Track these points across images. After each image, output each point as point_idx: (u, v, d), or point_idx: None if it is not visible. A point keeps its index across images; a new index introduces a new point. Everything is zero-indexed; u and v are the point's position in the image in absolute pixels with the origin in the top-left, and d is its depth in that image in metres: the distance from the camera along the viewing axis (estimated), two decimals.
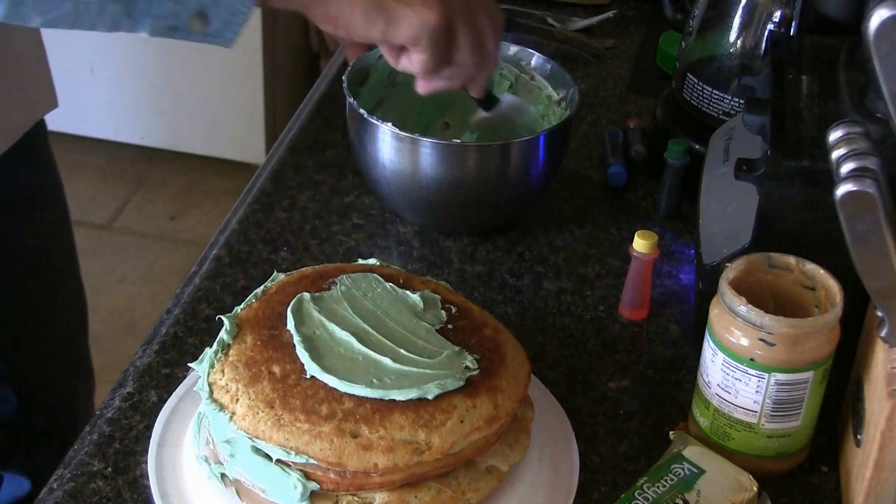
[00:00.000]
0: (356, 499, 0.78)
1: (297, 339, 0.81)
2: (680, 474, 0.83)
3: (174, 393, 0.90)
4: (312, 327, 0.83)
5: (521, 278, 1.07)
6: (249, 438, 0.77)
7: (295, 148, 1.22)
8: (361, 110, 1.04)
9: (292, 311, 0.84)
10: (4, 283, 1.18)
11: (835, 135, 0.77)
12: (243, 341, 0.82)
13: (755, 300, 0.82)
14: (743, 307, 0.82)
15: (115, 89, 2.79)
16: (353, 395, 0.78)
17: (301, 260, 1.07)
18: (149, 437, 0.86)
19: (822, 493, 0.88)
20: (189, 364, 0.85)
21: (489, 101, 1.06)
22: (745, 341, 0.82)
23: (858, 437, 0.83)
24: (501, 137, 1.11)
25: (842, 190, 0.74)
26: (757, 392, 0.83)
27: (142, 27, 0.79)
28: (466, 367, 0.81)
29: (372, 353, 0.81)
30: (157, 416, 0.88)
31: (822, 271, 0.85)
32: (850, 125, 0.77)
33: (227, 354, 0.82)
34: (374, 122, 1.03)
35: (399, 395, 0.78)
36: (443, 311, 0.86)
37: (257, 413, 0.77)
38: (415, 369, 0.80)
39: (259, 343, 0.82)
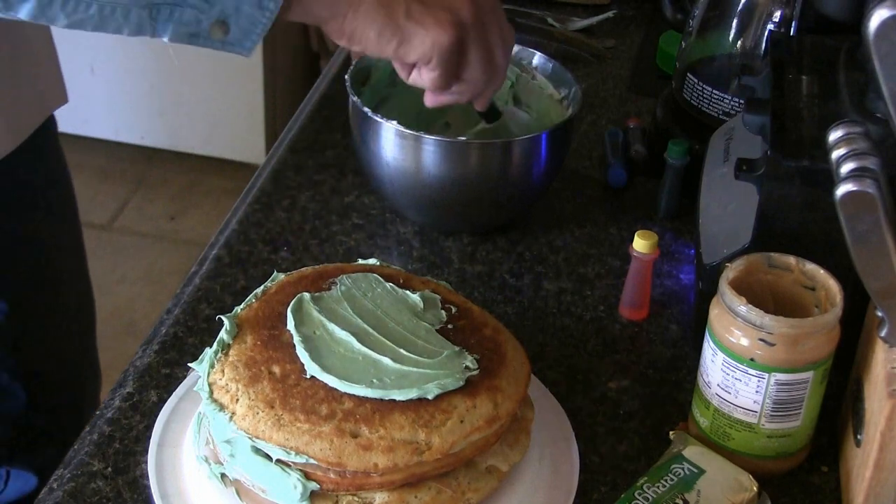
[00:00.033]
0: (356, 499, 0.78)
1: (297, 339, 0.81)
2: (680, 474, 0.83)
3: (174, 393, 0.90)
4: (312, 327, 0.83)
5: (521, 278, 1.07)
6: (249, 438, 0.77)
7: (295, 148, 1.22)
8: (365, 108, 1.05)
9: (292, 311, 0.84)
10: (15, 276, 1.19)
11: (835, 135, 0.77)
12: (243, 341, 0.82)
13: (755, 300, 0.82)
14: (743, 307, 0.82)
15: (115, 89, 2.79)
16: (353, 395, 0.78)
17: (301, 260, 1.07)
18: (149, 437, 0.86)
19: (822, 493, 0.88)
20: (189, 364, 0.85)
21: (493, 113, 1.06)
22: (745, 341, 0.82)
23: (858, 437, 0.83)
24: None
25: (842, 190, 0.74)
26: (757, 392, 0.83)
27: (164, 33, 0.81)
28: (466, 367, 0.81)
29: (372, 353, 0.81)
30: (157, 416, 0.88)
31: (822, 271, 0.85)
32: (850, 125, 0.77)
33: (227, 354, 0.82)
34: (378, 119, 1.04)
35: (399, 395, 0.78)
36: (443, 311, 0.86)
37: (257, 413, 0.77)
38: (415, 369, 0.80)
39: (259, 343, 0.82)
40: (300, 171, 1.19)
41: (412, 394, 0.78)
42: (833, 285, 0.84)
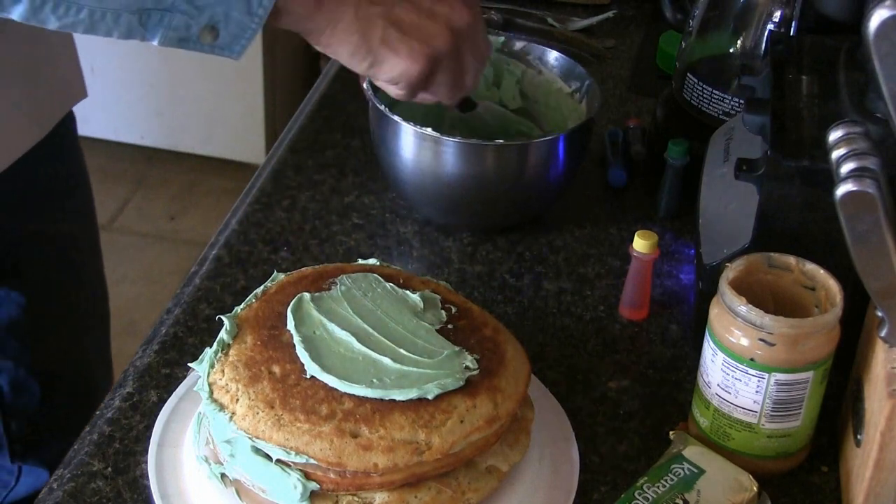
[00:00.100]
0: (356, 499, 0.78)
1: (297, 339, 0.81)
2: (680, 474, 0.83)
3: (174, 393, 0.90)
4: (312, 327, 0.83)
5: (521, 278, 1.07)
6: (249, 438, 0.77)
7: (295, 148, 1.22)
8: (396, 117, 1.05)
9: (292, 311, 0.84)
10: (35, 274, 1.19)
11: (835, 135, 0.77)
12: (243, 341, 0.82)
13: (755, 300, 0.82)
14: (743, 307, 0.82)
15: (114, 89, 2.79)
16: (353, 395, 0.78)
17: (301, 260, 1.07)
18: (149, 437, 0.86)
19: (822, 493, 0.88)
20: (189, 364, 0.85)
21: (466, 104, 1.07)
22: (745, 341, 0.82)
23: (858, 437, 0.83)
24: (481, 137, 1.12)
25: (842, 190, 0.74)
26: (757, 392, 0.83)
27: (154, 38, 0.82)
28: (466, 367, 0.81)
29: (372, 353, 0.81)
30: (157, 416, 0.88)
31: (822, 271, 0.85)
32: (850, 125, 0.77)
33: (227, 354, 0.82)
34: (398, 121, 1.05)
35: (399, 395, 0.78)
36: (443, 311, 0.86)
37: (257, 413, 0.77)
38: (415, 369, 0.80)
39: (259, 343, 0.82)
40: (300, 171, 1.19)
41: (412, 394, 0.78)
42: (833, 285, 0.84)
